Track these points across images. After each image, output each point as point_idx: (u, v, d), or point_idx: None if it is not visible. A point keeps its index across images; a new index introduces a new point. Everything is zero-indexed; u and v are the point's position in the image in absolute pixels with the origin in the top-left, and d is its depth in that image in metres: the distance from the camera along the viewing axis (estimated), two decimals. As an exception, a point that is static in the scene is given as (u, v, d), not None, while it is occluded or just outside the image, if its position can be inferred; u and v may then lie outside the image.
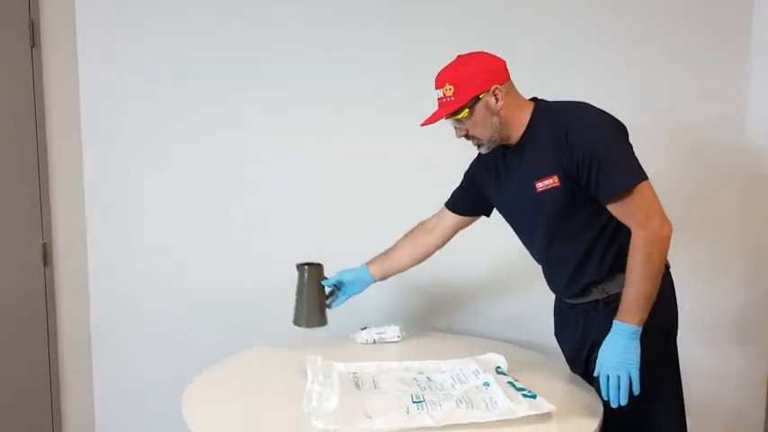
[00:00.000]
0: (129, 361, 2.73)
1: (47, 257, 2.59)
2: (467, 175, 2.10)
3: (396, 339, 2.25)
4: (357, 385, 1.86)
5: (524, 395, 1.73)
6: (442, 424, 1.61)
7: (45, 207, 2.57)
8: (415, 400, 1.74)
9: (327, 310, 2.20)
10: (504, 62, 1.84)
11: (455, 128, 1.86)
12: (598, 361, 1.74)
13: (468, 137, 1.86)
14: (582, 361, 1.96)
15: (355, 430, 1.59)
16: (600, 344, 1.80)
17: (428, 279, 2.53)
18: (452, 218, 2.13)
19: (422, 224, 2.18)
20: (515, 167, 1.89)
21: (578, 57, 2.45)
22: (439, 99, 1.83)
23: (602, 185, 1.71)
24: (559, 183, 1.77)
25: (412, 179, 2.54)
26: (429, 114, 1.83)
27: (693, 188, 2.45)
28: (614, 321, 1.72)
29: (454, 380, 1.87)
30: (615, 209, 1.74)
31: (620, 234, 1.79)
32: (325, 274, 2.18)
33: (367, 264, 2.18)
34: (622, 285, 1.74)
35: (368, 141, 2.55)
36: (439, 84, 1.82)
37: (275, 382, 1.94)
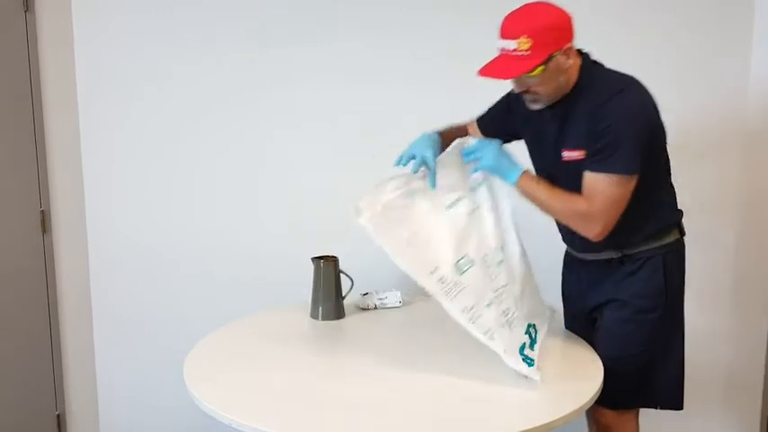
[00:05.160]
0: (130, 326, 2.73)
1: (45, 225, 2.57)
2: (507, 98, 1.99)
3: (397, 305, 2.26)
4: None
5: (523, 359, 1.74)
6: (451, 312, 1.67)
7: (42, 174, 2.55)
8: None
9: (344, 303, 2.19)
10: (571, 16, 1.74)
11: (516, 83, 1.77)
12: (481, 154, 1.80)
13: (527, 92, 1.78)
14: (584, 317, 1.99)
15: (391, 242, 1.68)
16: (609, 302, 1.88)
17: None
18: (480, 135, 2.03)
19: (459, 126, 2.05)
20: (549, 124, 1.84)
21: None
22: (507, 50, 1.69)
23: (598, 157, 1.71)
24: (585, 157, 1.74)
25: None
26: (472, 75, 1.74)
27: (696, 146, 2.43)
28: (523, 172, 1.78)
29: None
30: (588, 178, 1.73)
31: (639, 208, 1.78)
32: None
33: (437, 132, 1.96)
34: (638, 247, 1.81)
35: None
36: (512, 34, 1.67)
37: (277, 347, 1.94)
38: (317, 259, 2.16)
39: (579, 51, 1.79)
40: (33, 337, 2.59)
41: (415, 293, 2.41)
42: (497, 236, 1.86)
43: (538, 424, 1.51)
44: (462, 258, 1.75)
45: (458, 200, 1.83)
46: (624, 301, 1.87)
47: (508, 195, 1.89)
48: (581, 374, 1.77)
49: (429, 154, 1.82)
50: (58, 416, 2.69)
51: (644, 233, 1.83)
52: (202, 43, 2.55)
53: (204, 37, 2.54)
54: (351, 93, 2.52)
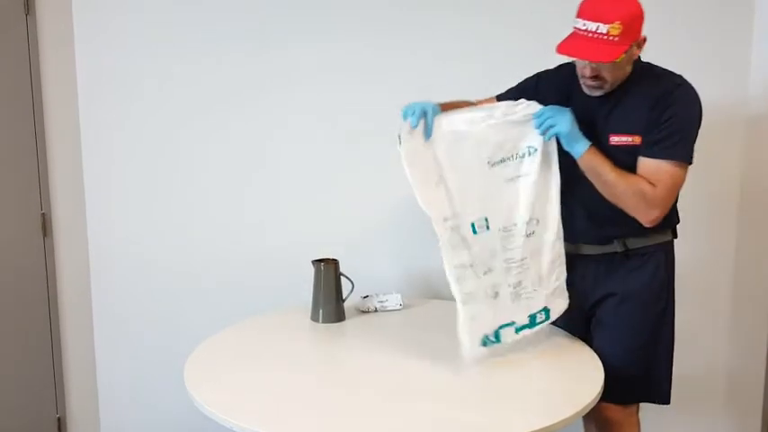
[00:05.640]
0: (130, 331, 2.73)
1: (46, 228, 2.57)
2: (535, 80, 1.99)
3: (397, 307, 2.26)
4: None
5: (491, 335, 1.80)
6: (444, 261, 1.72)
7: (43, 177, 2.55)
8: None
9: (344, 305, 2.19)
10: None
11: (588, 65, 1.74)
12: (556, 120, 1.76)
13: (595, 78, 1.77)
14: (582, 316, 1.99)
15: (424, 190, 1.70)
16: (612, 296, 1.89)
17: (428, 247, 2.53)
18: None
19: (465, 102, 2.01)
20: (594, 110, 1.83)
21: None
22: (596, 33, 1.66)
23: (663, 144, 1.73)
24: (639, 143, 1.77)
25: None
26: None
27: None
28: (591, 145, 1.77)
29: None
30: (650, 163, 1.75)
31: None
32: (343, 269, 2.17)
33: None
34: (642, 242, 1.85)
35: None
36: (605, 17, 1.65)
37: (277, 349, 1.95)
38: (317, 262, 2.16)
39: None
40: (34, 340, 2.59)
41: (415, 296, 2.42)
42: (536, 209, 1.84)
43: (538, 427, 1.51)
44: (480, 219, 1.77)
45: (502, 160, 1.81)
46: (629, 295, 1.90)
47: (558, 172, 1.87)
48: (581, 377, 1.77)
49: (430, 111, 1.82)
50: (59, 419, 2.69)
51: (653, 227, 1.84)
52: (202, 43, 2.54)
53: (204, 37, 2.54)
54: (351, 93, 2.51)
